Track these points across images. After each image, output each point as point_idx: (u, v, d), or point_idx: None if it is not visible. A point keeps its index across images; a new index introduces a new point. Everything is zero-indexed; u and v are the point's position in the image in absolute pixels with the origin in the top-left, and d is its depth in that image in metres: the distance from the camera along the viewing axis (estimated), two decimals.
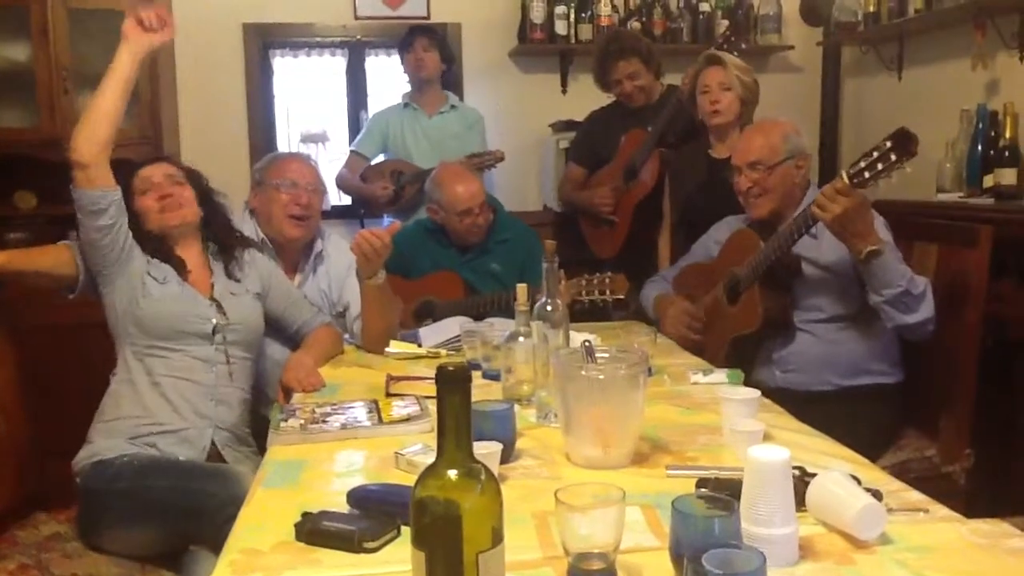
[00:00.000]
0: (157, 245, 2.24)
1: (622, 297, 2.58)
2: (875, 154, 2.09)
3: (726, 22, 4.33)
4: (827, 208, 2.18)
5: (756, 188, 2.50)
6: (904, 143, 2.05)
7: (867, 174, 2.10)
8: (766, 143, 2.50)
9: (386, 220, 3.92)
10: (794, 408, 1.89)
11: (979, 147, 3.24)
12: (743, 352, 2.50)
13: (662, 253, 3.35)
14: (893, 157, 2.06)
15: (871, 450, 1.69)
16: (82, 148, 2.07)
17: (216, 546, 1.56)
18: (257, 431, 2.27)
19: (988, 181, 3.17)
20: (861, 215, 2.18)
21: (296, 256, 2.70)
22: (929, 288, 2.25)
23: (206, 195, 2.37)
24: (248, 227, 2.60)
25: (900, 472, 1.64)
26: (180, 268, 2.25)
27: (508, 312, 2.72)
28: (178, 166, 2.36)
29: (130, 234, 2.18)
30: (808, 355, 2.44)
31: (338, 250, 2.75)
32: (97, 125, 2.08)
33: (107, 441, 2.08)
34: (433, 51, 3.87)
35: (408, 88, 4.02)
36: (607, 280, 2.56)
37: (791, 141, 2.50)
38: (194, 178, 2.36)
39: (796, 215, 2.36)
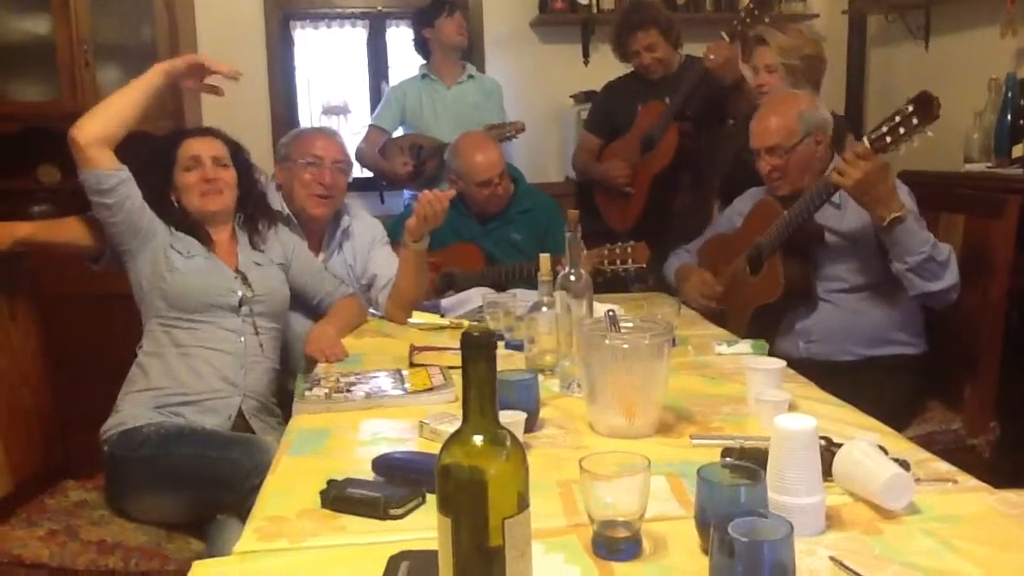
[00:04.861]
0: (183, 218, 2.24)
1: (643, 266, 2.57)
2: (897, 118, 2.07)
3: None
4: (847, 173, 2.16)
5: (776, 172, 2.48)
6: (927, 107, 2.03)
7: (889, 139, 2.08)
8: (782, 125, 2.47)
9: (406, 194, 3.92)
10: (818, 379, 1.88)
11: (1008, 116, 3.18)
12: (766, 323, 2.49)
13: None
14: (915, 121, 2.04)
15: (895, 421, 1.68)
16: (85, 131, 2.07)
17: (242, 514, 1.57)
18: (283, 402, 2.29)
19: (1017, 151, 3.12)
20: (883, 180, 2.16)
21: (321, 232, 2.70)
22: (953, 255, 2.23)
23: (247, 173, 2.37)
24: (274, 201, 2.60)
25: (925, 444, 1.62)
26: (205, 240, 2.25)
27: (529, 282, 2.72)
28: (226, 141, 2.35)
29: (147, 208, 2.18)
30: (831, 325, 2.43)
31: (363, 224, 2.76)
32: (108, 122, 2.10)
33: (134, 410, 2.10)
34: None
35: (421, 60, 4.00)
36: (628, 249, 2.55)
37: (806, 118, 2.46)
38: (238, 155, 2.35)
39: (817, 183, 2.34)
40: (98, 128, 2.09)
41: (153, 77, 2.18)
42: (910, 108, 2.05)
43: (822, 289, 2.44)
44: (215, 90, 2.29)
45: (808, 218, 2.37)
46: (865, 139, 2.13)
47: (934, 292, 2.23)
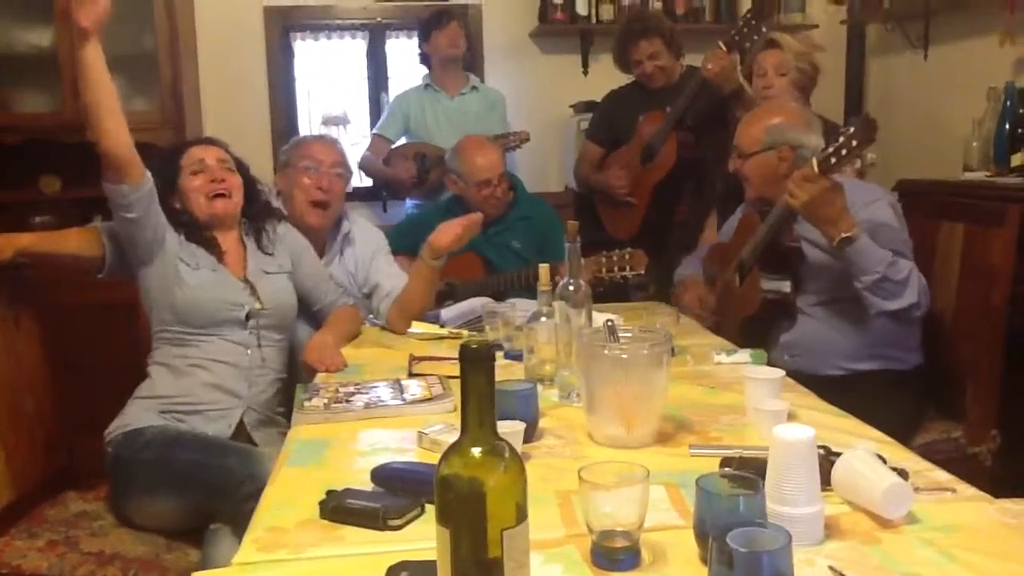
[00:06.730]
0: (192, 227, 2.24)
1: (641, 272, 2.57)
2: (840, 139, 2.10)
3: (749, 1, 4.27)
4: (796, 195, 2.18)
5: (740, 173, 2.52)
6: (865, 130, 2.08)
7: (833, 160, 2.12)
8: (746, 131, 2.50)
9: (409, 203, 3.93)
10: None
11: (1007, 125, 3.19)
12: (753, 335, 2.47)
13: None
14: (855, 143, 2.07)
15: (895, 438, 1.67)
16: (104, 145, 2.01)
17: (236, 523, 1.57)
18: (289, 412, 2.29)
19: (1016, 160, 3.12)
20: (830, 201, 2.16)
21: (322, 241, 2.70)
22: (914, 273, 2.21)
23: (250, 185, 2.38)
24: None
25: (926, 453, 1.62)
26: (214, 250, 2.25)
27: (527, 291, 2.73)
28: (228, 151, 2.36)
29: (162, 216, 2.18)
30: (813, 339, 2.41)
31: (364, 232, 2.77)
32: (98, 120, 2.00)
33: (139, 413, 2.12)
34: (463, 30, 3.91)
35: (425, 71, 4.01)
36: (626, 256, 2.56)
37: (774, 132, 2.44)
38: (241, 167, 2.36)
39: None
40: (107, 132, 2.00)
41: (87, 58, 2.01)
42: (851, 130, 2.08)
43: (802, 302, 2.43)
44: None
45: (778, 232, 2.38)
46: (814, 160, 2.15)
47: (893, 311, 2.22)
